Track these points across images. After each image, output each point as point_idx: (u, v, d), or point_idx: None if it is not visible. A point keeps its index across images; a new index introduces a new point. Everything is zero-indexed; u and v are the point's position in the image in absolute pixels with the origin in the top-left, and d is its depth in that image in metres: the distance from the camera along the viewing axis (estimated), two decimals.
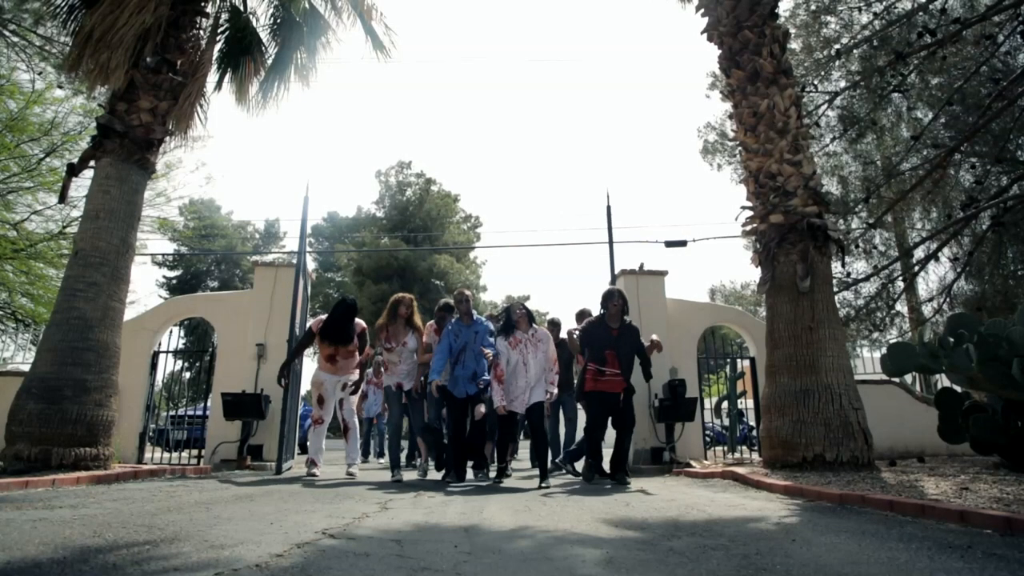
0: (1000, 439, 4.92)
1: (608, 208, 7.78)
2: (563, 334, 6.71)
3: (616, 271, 7.80)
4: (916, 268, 9.88)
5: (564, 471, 6.01)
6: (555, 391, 5.38)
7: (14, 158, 10.80)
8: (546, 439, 5.40)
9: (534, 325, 5.29)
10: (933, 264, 9.60)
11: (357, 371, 5.95)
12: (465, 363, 5.27)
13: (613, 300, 5.25)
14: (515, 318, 5.23)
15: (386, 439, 6.25)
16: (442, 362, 5.25)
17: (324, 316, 5.82)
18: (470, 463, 5.53)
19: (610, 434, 5.50)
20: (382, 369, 6.01)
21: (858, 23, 9.29)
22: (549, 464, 5.54)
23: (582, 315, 6.39)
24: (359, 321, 5.90)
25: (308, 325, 5.93)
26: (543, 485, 4.70)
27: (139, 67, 5.91)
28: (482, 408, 5.14)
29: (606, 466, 5.29)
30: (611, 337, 5.15)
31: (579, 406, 6.30)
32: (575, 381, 6.28)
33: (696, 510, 3.26)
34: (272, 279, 7.67)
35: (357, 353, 5.89)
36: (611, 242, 7.44)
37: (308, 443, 5.89)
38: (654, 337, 5.45)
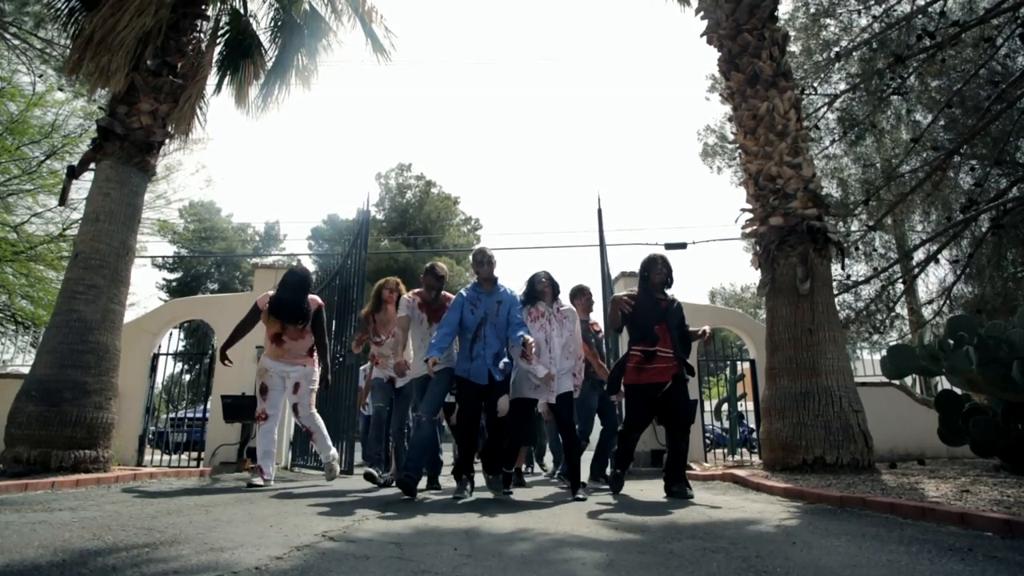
0: (1000, 441, 4.91)
1: (599, 211, 7.76)
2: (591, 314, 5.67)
3: (615, 273, 7.80)
4: (916, 270, 9.89)
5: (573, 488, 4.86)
6: (580, 381, 4.62)
7: (15, 160, 10.83)
8: (577, 439, 4.43)
9: (559, 299, 4.53)
10: (933, 266, 9.63)
11: (315, 364, 5.07)
12: (487, 340, 4.15)
13: (657, 267, 4.38)
14: (539, 288, 4.43)
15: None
16: (448, 337, 4.10)
17: (271, 291, 5.07)
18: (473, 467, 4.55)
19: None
20: (374, 365, 5.29)
21: (857, 26, 9.32)
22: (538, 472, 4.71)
23: (579, 292, 5.55)
24: (314, 298, 5.09)
25: (255, 301, 5.06)
26: (579, 497, 3.97)
27: (139, 70, 5.92)
28: (506, 403, 4.14)
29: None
30: (660, 309, 4.25)
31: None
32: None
33: (696, 512, 3.26)
34: (272, 281, 7.66)
35: (310, 336, 5.04)
36: (602, 244, 7.43)
37: (256, 444, 5.06)
38: (707, 328, 4.50)
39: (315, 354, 5.07)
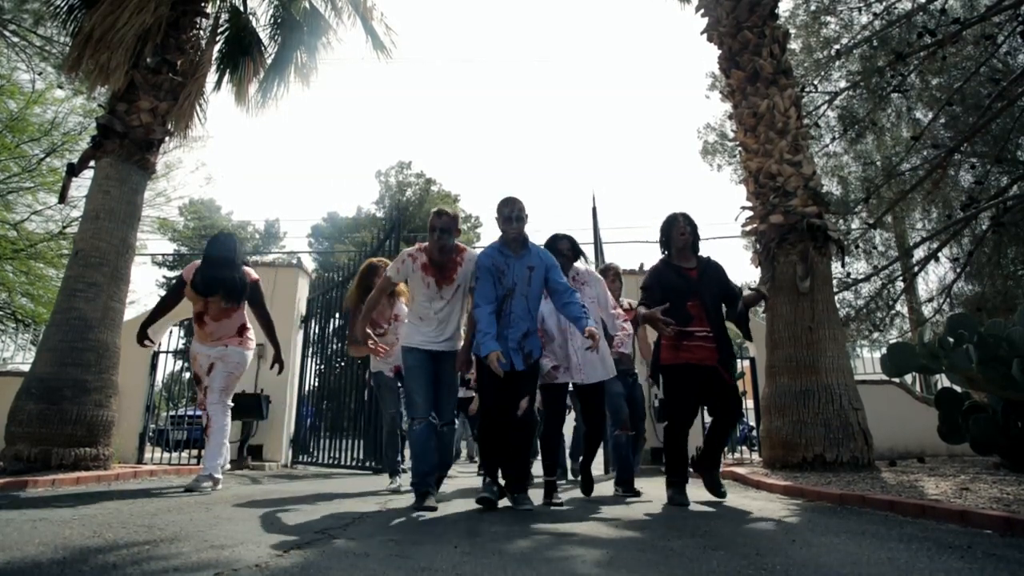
0: (1000, 439, 4.92)
1: (594, 210, 7.76)
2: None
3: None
4: (916, 268, 9.89)
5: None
6: (627, 351, 4.05)
7: (14, 158, 10.83)
8: (601, 433, 3.80)
9: (576, 265, 3.78)
10: (933, 264, 9.62)
11: (243, 346, 4.42)
12: (513, 317, 3.29)
13: (678, 227, 3.60)
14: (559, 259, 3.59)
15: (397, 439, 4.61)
16: (494, 316, 3.22)
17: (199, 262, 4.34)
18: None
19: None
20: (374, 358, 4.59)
21: (858, 23, 9.31)
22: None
23: (604, 271, 4.73)
24: (248, 270, 4.42)
25: (180, 273, 4.37)
26: (591, 494, 3.64)
27: (139, 67, 5.92)
28: (525, 404, 3.35)
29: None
30: (690, 281, 3.53)
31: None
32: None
33: (696, 510, 3.26)
34: (272, 279, 7.68)
35: (239, 315, 4.39)
36: (597, 243, 7.44)
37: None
38: (762, 288, 3.67)
39: (245, 334, 4.47)
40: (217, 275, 4.20)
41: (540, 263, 3.35)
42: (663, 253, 3.75)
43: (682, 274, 3.57)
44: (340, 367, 7.15)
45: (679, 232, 3.60)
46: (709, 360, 3.44)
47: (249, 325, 4.53)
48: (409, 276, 3.47)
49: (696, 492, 4.10)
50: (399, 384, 4.41)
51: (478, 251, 3.50)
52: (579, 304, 3.29)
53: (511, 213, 3.32)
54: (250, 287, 4.38)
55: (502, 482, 3.44)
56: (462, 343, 3.60)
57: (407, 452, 4.33)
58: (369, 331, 4.16)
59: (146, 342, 4.48)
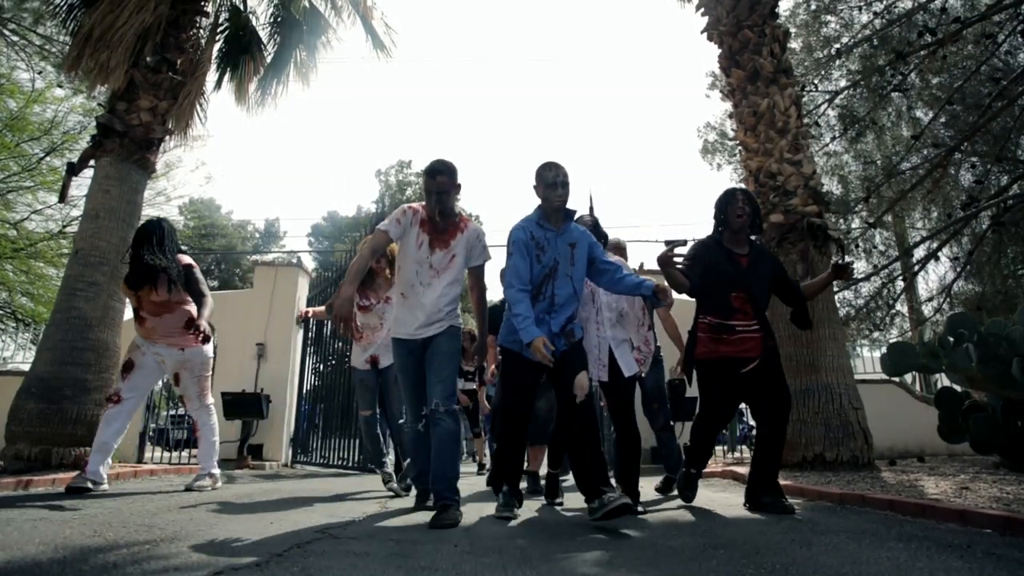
0: (1000, 439, 4.92)
1: (591, 208, 7.75)
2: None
3: None
4: (916, 268, 9.89)
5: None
6: (648, 352, 3.64)
7: (14, 157, 10.81)
8: (635, 435, 3.21)
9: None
10: (933, 264, 9.62)
11: (199, 344, 4.02)
12: (557, 301, 2.85)
13: (737, 204, 3.15)
14: None
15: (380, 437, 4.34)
16: (530, 297, 2.81)
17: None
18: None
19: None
20: (354, 341, 4.26)
21: (858, 22, 9.33)
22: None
23: (612, 249, 3.89)
24: (181, 256, 4.07)
25: None
26: (638, 511, 2.99)
27: (139, 66, 5.91)
28: (586, 379, 2.81)
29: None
30: (739, 269, 3.12)
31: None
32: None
33: (696, 510, 3.27)
34: (272, 278, 7.69)
35: (181, 309, 3.99)
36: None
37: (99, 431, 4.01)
38: (840, 260, 3.32)
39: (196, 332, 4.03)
40: (143, 268, 3.88)
41: (582, 239, 2.92)
42: (716, 230, 3.28)
43: (733, 259, 3.13)
44: (331, 364, 7.15)
45: (736, 212, 3.14)
46: (753, 352, 3.05)
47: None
48: (406, 232, 2.99)
49: (699, 492, 4.10)
50: (377, 379, 4.20)
51: (484, 230, 3.16)
52: (631, 274, 2.95)
53: (556, 178, 2.85)
54: (183, 273, 3.99)
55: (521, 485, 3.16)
56: (460, 323, 3.10)
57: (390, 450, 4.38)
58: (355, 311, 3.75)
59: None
